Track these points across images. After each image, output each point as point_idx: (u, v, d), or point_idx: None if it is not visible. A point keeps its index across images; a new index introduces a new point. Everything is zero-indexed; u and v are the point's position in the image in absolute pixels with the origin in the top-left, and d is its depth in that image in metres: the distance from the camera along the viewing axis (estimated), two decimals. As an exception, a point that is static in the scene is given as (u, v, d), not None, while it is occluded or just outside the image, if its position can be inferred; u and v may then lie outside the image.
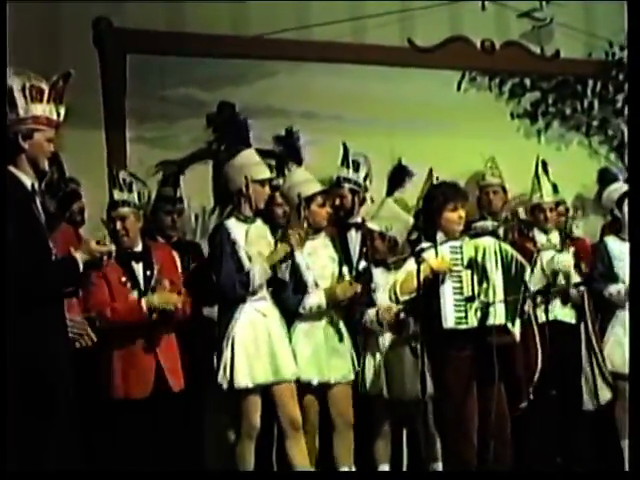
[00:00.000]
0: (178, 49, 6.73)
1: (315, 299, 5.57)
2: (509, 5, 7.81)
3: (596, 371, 6.35)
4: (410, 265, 5.18)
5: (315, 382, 5.57)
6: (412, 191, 6.36)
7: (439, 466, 5.69)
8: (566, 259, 6.31)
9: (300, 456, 5.47)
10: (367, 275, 5.88)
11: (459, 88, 7.73)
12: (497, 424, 5.19)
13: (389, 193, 6.21)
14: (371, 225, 5.97)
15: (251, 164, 5.52)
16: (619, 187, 6.67)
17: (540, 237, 6.42)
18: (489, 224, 5.70)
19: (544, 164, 6.73)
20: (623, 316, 6.31)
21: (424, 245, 5.27)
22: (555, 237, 6.45)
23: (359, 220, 6.30)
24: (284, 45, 7.02)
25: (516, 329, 5.30)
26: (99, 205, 5.67)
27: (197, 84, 6.81)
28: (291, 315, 5.60)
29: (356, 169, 6.42)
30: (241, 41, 6.95)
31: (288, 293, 5.58)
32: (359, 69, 7.28)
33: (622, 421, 6.33)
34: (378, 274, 5.87)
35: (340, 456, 5.72)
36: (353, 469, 5.72)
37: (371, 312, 5.76)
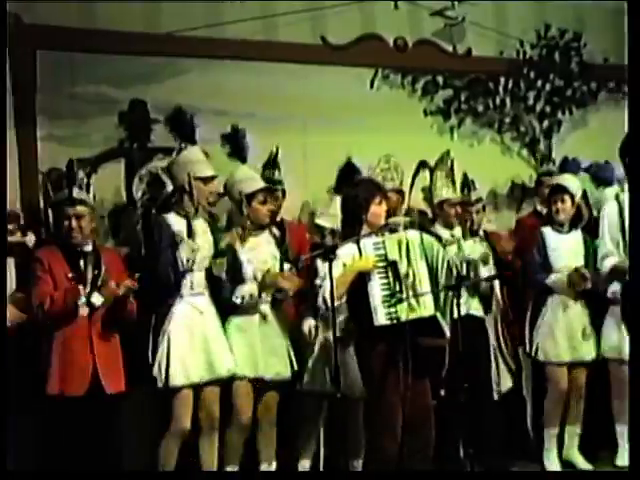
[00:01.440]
0: (89, 46, 6.72)
1: (247, 288, 5.73)
2: (421, 4, 7.97)
3: (500, 360, 6.68)
4: (336, 270, 5.28)
5: (250, 376, 5.71)
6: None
7: (359, 463, 5.91)
8: (477, 250, 6.57)
9: (212, 456, 5.66)
10: (311, 270, 6.01)
11: (372, 85, 7.85)
12: (422, 418, 5.38)
13: (337, 190, 6.40)
14: (321, 222, 6.15)
15: (195, 161, 5.67)
16: (551, 180, 7.00)
17: (444, 232, 6.61)
18: (401, 220, 5.85)
19: (451, 160, 6.92)
20: (555, 304, 6.65)
21: (344, 243, 5.44)
22: (458, 232, 6.67)
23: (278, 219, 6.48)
24: (196, 43, 7.07)
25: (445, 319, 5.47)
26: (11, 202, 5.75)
27: (108, 81, 6.81)
28: (226, 308, 5.73)
29: (273, 166, 6.62)
30: (153, 38, 6.97)
31: (225, 286, 5.72)
32: (272, 67, 7.35)
33: (550, 409, 6.67)
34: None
35: (262, 452, 5.89)
36: (274, 466, 5.90)
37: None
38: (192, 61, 7.13)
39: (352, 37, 7.78)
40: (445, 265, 5.49)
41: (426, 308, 5.31)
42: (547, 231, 6.78)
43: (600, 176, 7.30)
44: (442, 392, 6.16)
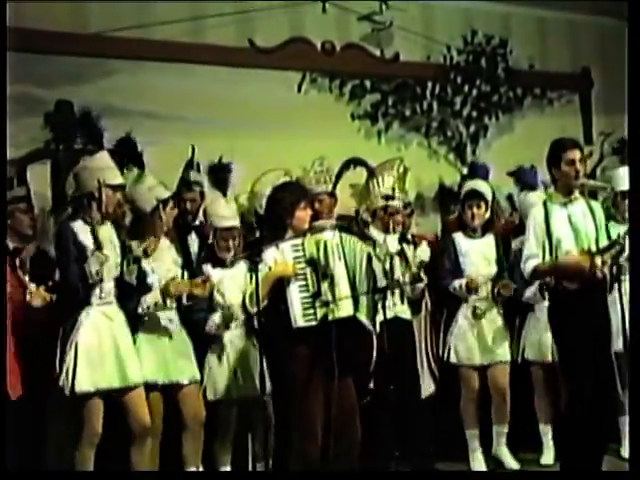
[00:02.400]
0: (15, 45, 6.46)
1: (151, 298, 5.70)
2: (349, 8, 8.08)
3: (425, 364, 6.84)
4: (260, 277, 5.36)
5: (160, 382, 5.71)
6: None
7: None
8: (423, 253, 6.62)
9: (145, 462, 5.63)
10: (206, 275, 5.98)
11: (300, 89, 7.95)
12: (346, 419, 5.44)
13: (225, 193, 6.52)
14: (226, 224, 6.14)
15: (105, 168, 5.59)
16: (468, 185, 7.07)
17: (379, 236, 6.67)
18: (327, 223, 5.97)
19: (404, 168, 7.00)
20: (466, 310, 6.80)
21: (263, 247, 5.51)
22: (393, 236, 6.72)
23: (197, 222, 6.56)
24: (124, 44, 7.08)
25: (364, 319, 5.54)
26: None
27: (35, 81, 6.77)
28: (134, 317, 5.72)
29: (198, 170, 6.72)
30: (80, 38, 6.96)
31: (132, 296, 5.71)
32: (200, 69, 7.41)
33: (466, 411, 6.82)
34: (216, 274, 6.05)
35: (188, 456, 5.89)
36: (201, 469, 5.92)
37: (216, 316, 5.96)
38: (121, 62, 7.13)
39: (280, 40, 7.87)
40: (364, 266, 5.54)
41: (344, 309, 5.38)
42: (458, 237, 6.90)
43: (525, 180, 7.52)
44: (368, 397, 6.31)
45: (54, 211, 6.55)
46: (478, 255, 6.84)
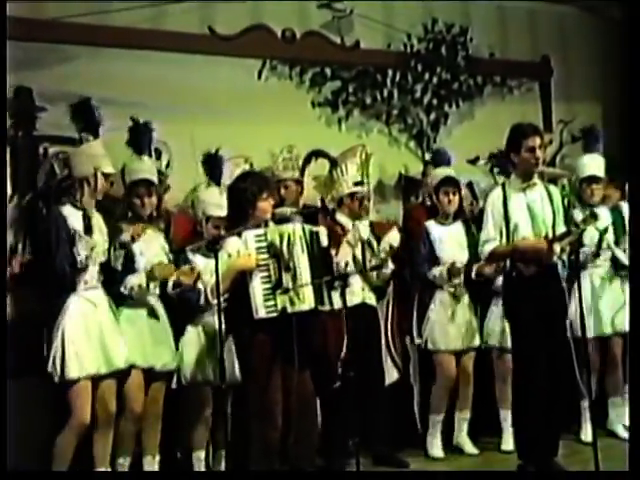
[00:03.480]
0: None
1: (135, 279, 5.81)
2: (310, -5, 8.10)
3: (386, 352, 6.93)
4: (224, 267, 5.45)
5: (143, 366, 5.83)
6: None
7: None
8: (394, 237, 6.83)
9: (104, 451, 5.74)
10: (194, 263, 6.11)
11: (260, 76, 7.95)
12: (304, 406, 5.60)
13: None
14: (221, 213, 6.21)
15: (100, 155, 5.76)
16: (439, 172, 7.20)
17: (347, 222, 6.79)
18: (287, 210, 6.08)
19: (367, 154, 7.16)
20: (441, 296, 6.95)
21: (226, 236, 5.65)
22: (364, 223, 6.88)
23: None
24: (83, 29, 7.05)
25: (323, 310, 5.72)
26: None
27: None
28: (117, 298, 5.82)
29: (158, 157, 6.76)
30: (38, 24, 6.92)
31: (118, 278, 5.81)
32: (160, 55, 7.39)
33: (438, 396, 6.96)
34: (198, 260, 6.15)
35: (148, 446, 6.02)
36: (157, 458, 6.02)
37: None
38: (79, 48, 7.10)
39: (240, 28, 7.87)
40: (324, 255, 5.71)
41: (306, 301, 5.52)
42: (431, 224, 7.06)
43: (500, 166, 7.62)
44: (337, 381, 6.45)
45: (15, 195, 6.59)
46: (452, 241, 6.99)
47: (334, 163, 7.20)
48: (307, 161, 7.41)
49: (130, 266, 5.84)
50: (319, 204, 7.33)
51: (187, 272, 5.87)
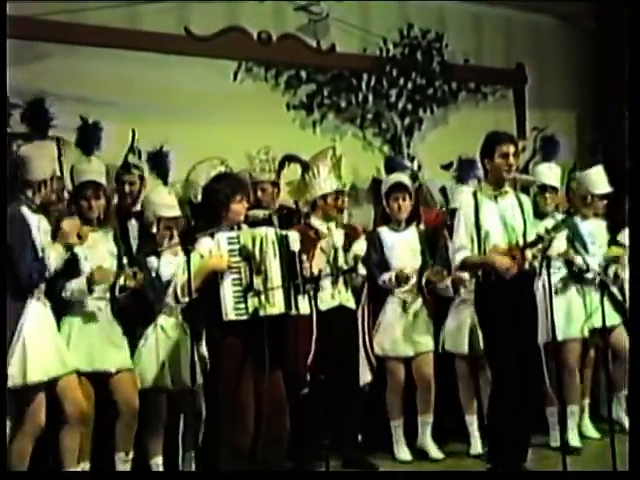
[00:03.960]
0: None
1: (76, 284, 5.74)
2: (286, -2, 8.13)
3: (363, 354, 6.91)
4: (195, 267, 5.46)
5: (84, 370, 5.74)
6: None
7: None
8: (360, 246, 6.83)
9: (73, 452, 5.68)
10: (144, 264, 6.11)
11: (235, 78, 7.96)
12: (275, 409, 5.60)
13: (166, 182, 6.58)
14: (170, 214, 6.21)
15: (56, 158, 5.70)
16: (390, 178, 7.26)
17: (321, 226, 6.80)
18: (260, 213, 6.10)
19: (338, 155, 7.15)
20: (392, 302, 6.96)
21: (198, 236, 5.64)
22: (338, 227, 6.89)
23: (139, 208, 6.60)
24: (58, 27, 7.03)
25: (301, 309, 5.73)
26: None
27: None
28: (62, 304, 5.76)
29: (140, 156, 6.76)
30: (13, 21, 6.59)
31: (59, 282, 5.74)
32: (135, 55, 7.38)
33: (391, 402, 6.98)
34: (154, 262, 6.13)
35: (120, 443, 5.96)
36: (131, 456, 5.99)
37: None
38: (54, 46, 7.07)
39: (216, 29, 7.88)
40: (295, 260, 5.70)
41: (276, 306, 5.54)
42: (383, 231, 7.09)
43: (463, 173, 7.68)
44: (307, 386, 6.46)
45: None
46: (404, 248, 7.03)
47: (306, 167, 7.22)
48: (281, 166, 7.42)
49: (75, 271, 5.78)
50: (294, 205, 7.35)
51: (129, 276, 5.83)
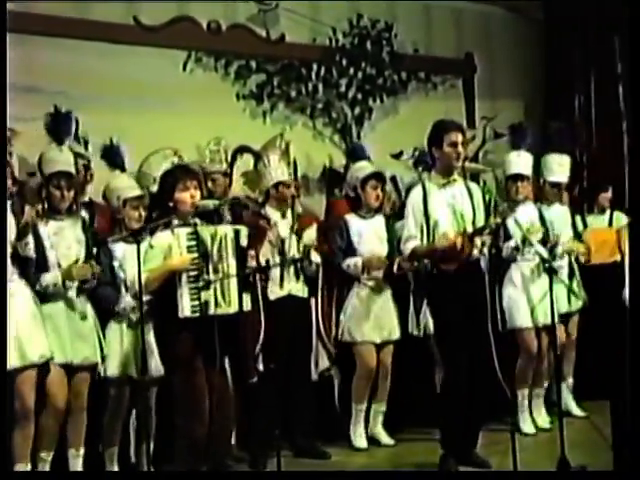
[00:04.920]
0: None
1: (51, 277, 5.80)
2: (236, -12, 8.13)
3: (319, 342, 7.01)
4: (155, 263, 5.54)
5: (57, 362, 5.77)
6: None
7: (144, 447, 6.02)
8: (310, 236, 6.89)
9: (25, 447, 5.69)
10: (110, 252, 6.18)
11: (185, 68, 7.96)
12: (222, 401, 5.66)
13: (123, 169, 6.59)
14: (134, 193, 6.28)
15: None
16: (365, 166, 7.29)
17: (275, 215, 6.87)
18: (210, 203, 6.11)
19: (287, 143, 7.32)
20: (359, 289, 7.05)
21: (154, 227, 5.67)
22: (289, 215, 6.94)
23: (87, 199, 6.66)
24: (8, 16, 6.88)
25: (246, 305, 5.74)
26: None
27: None
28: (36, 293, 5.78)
29: (86, 146, 6.77)
30: None
31: (32, 271, 5.79)
32: (84, 45, 7.35)
33: (358, 386, 7.07)
34: (120, 249, 6.19)
35: (72, 439, 6.00)
36: (82, 451, 6.02)
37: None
38: (2, 35, 7.03)
39: (166, 19, 7.88)
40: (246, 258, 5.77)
41: (231, 305, 5.59)
42: (350, 218, 7.16)
43: (422, 160, 7.77)
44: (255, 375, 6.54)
45: None
46: (371, 235, 7.09)
47: (258, 157, 7.28)
48: (234, 158, 7.46)
49: (42, 260, 5.83)
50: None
51: (79, 267, 5.85)
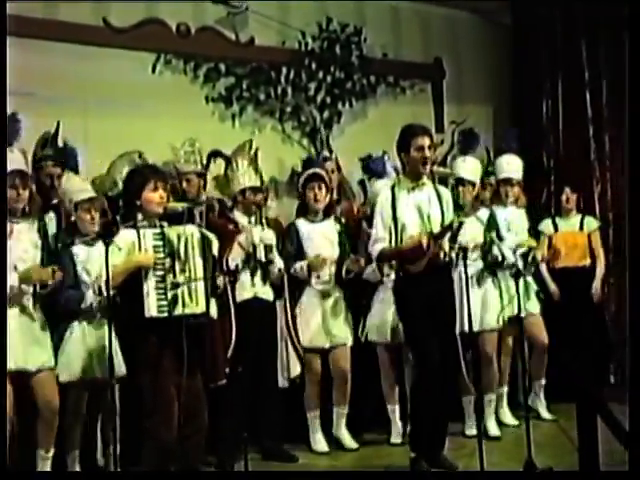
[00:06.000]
0: None
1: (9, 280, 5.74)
2: (205, -10, 8.16)
3: (290, 347, 7.02)
4: (118, 259, 5.53)
5: (13, 368, 5.72)
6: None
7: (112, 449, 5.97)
8: (268, 236, 6.91)
9: None
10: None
11: (154, 70, 7.94)
12: (194, 404, 5.68)
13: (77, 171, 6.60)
14: (85, 195, 6.22)
15: None
16: (306, 172, 7.37)
17: (243, 219, 6.92)
18: (178, 205, 6.12)
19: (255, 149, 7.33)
20: (309, 293, 7.07)
21: (123, 229, 5.68)
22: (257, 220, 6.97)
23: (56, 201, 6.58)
24: None
25: (213, 309, 5.82)
26: None
27: None
28: None
29: (56, 146, 6.76)
30: None
31: None
32: (53, 46, 7.33)
33: (308, 394, 7.10)
34: (82, 252, 6.16)
35: (41, 442, 5.98)
36: (51, 453, 5.99)
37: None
38: (-32, 36, 6.97)
39: (135, 20, 7.87)
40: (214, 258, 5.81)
41: (198, 305, 5.61)
42: (300, 221, 7.21)
43: (371, 168, 7.82)
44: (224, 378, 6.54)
45: None
46: (320, 238, 7.13)
47: (229, 161, 7.30)
48: (208, 161, 7.47)
49: None
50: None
51: (37, 269, 5.85)
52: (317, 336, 7.06)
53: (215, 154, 7.52)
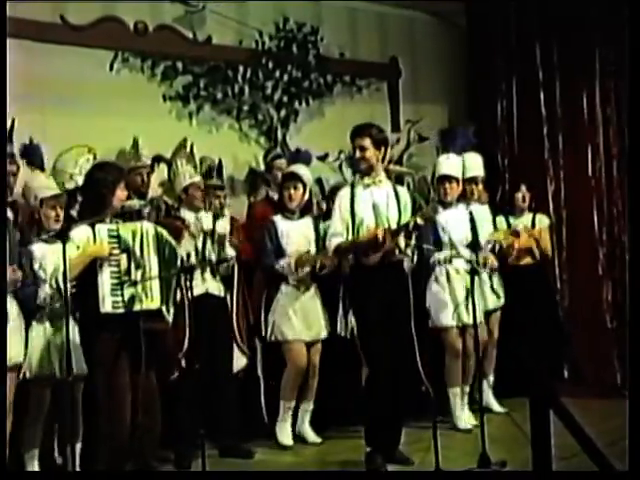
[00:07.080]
0: None
1: None
2: (162, -11, 8.18)
3: (237, 340, 7.08)
4: (73, 254, 5.52)
5: None
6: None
7: (78, 446, 6.07)
8: (220, 224, 6.97)
9: None
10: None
11: (111, 68, 7.92)
12: (148, 400, 5.72)
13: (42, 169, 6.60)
14: (51, 192, 6.24)
15: None
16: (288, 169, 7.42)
17: (189, 216, 6.94)
18: (136, 203, 6.14)
19: (191, 145, 7.38)
20: (287, 288, 7.13)
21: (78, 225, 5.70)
22: (206, 215, 7.01)
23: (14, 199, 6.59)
24: None
25: (170, 311, 5.85)
26: None
27: None
28: None
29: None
30: None
31: None
32: (10, 42, 6.90)
33: (287, 383, 7.12)
34: (39, 249, 6.13)
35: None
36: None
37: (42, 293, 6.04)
38: None
39: (92, 18, 7.84)
40: (173, 257, 5.86)
41: (153, 300, 5.66)
42: (278, 219, 7.26)
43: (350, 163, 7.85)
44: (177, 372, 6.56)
45: None
46: (298, 236, 7.17)
47: (170, 164, 7.33)
48: (152, 168, 7.48)
49: None
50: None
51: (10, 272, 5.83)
52: (299, 330, 7.11)
53: (158, 159, 7.54)
